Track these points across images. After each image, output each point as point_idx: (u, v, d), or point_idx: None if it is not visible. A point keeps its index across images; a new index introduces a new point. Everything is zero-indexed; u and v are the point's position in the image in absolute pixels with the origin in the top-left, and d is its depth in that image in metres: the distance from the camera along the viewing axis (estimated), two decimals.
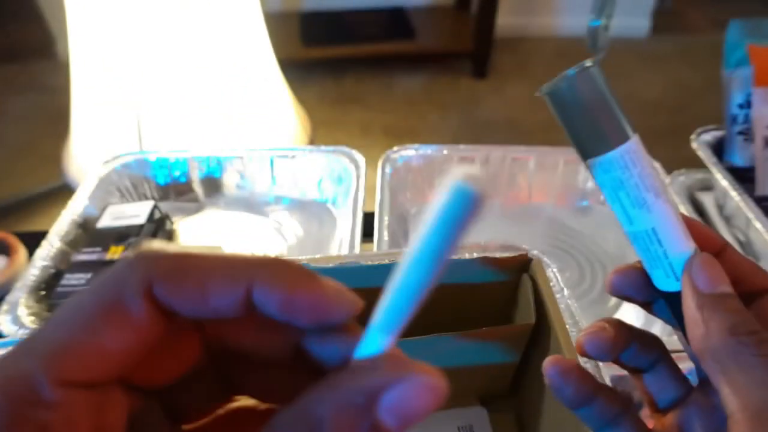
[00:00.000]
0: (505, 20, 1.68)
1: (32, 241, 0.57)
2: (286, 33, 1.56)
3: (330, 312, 0.15)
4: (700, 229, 0.21)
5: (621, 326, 0.23)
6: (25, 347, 0.13)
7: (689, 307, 0.20)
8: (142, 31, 0.61)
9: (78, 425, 0.13)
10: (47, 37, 1.54)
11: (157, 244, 0.14)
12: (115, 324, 0.14)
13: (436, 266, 0.13)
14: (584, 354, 0.22)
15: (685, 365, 0.24)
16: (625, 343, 0.23)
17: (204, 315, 0.15)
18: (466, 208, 0.12)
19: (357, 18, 1.63)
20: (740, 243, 0.59)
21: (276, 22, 0.82)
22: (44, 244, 0.53)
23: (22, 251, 0.60)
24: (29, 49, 1.58)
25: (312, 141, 0.83)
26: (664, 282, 0.21)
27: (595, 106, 0.18)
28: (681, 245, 0.20)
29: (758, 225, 0.54)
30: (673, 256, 0.20)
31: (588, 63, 0.18)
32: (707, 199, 0.65)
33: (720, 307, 0.19)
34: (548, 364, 0.23)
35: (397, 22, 1.60)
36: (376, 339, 0.15)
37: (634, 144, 0.18)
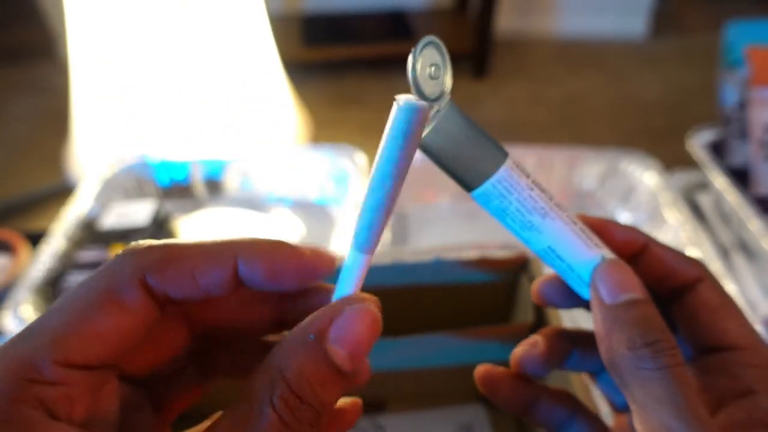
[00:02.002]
0: (505, 21, 1.69)
1: (35, 240, 0.58)
2: (287, 34, 1.56)
3: (312, 270, 0.17)
4: (616, 229, 0.21)
5: (558, 337, 0.22)
6: (28, 331, 0.15)
7: (595, 320, 0.19)
8: (144, 32, 0.61)
9: (75, 403, 0.14)
10: (48, 38, 1.54)
11: (147, 240, 0.15)
12: (111, 310, 0.15)
13: (396, 177, 0.15)
14: (521, 371, 0.22)
15: None
16: (563, 354, 0.22)
17: (195, 296, 0.16)
18: (410, 119, 0.15)
19: (358, 20, 1.63)
20: (736, 242, 0.60)
21: (278, 23, 0.82)
22: (48, 242, 0.54)
23: (25, 250, 0.60)
24: (30, 50, 1.58)
25: (312, 141, 0.83)
26: (583, 291, 0.20)
27: (456, 146, 0.18)
28: (584, 255, 0.19)
29: (754, 224, 0.54)
30: (578, 267, 0.19)
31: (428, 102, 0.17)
32: (704, 199, 0.66)
33: (622, 318, 0.18)
34: (478, 374, 0.22)
35: (397, 23, 1.60)
36: (356, 259, 0.16)
37: (505, 171, 0.18)
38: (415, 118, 0.15)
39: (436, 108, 0.18)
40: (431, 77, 0.17)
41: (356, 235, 0.16)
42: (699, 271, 0.20)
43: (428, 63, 0.17)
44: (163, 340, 0.17)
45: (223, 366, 0.19)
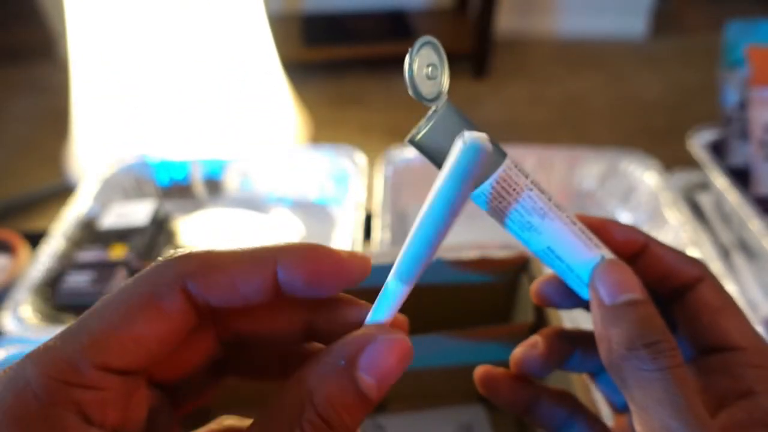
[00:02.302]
0: (505, 21, 1.68)
1: (35, 240, 0.58)
2: (287, 34, 1.56)
3: (349, 273, 0.17)
4: (616, 228, 0.20)
5: (558, 337, 0.22)
6: (68, 333, 0.14)
7: (595, 321, 0.19)
8: (144, 32, 0.61)
9: (109, 409, 0.14)
10: (48, 38, 1.54)
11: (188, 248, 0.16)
12: (151, 316, 0.15)
13: (449, 215, 0.14)
14: (521, 371, 0.22)
15: None
16: (563, 354, 0.22)
17: (235, 303, 0.16)
18: (474, 159, 0.14)
19: (357, 20, 1.63)
20: (737, 242, 0.60)
21: (277, 23, 0.82)
22: (47, 242, 0.54)
23: (24, 250, 0.60)
24: (30, 50, 1.58)
25: (312, 141, 0.83)
26: (583, 291, 0.20)
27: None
28: (584, 256, 0.19)
29: (754, 224, 0.54)
30: (578, 268, 0.19)
31: (435, 106, 0.17)
32: (705, 199, 0.66)
33: (621, 319, 0.18)
34: (477, 375, 0.22)
35: (397, 23, 1.60)
36: (396, 289, 0.16)
37: (504, 172, 0.18)
38: (480, 159, 0.14)
39: (434, 107, 0.17)
40: (428, 77, 0.17)
41: (400, 265, 0.16)
42: (700, 271, 0.20)
43: (425, 63, 0.17)
44: (193, 348, 0.17)
45: (242, 368, 0.19)
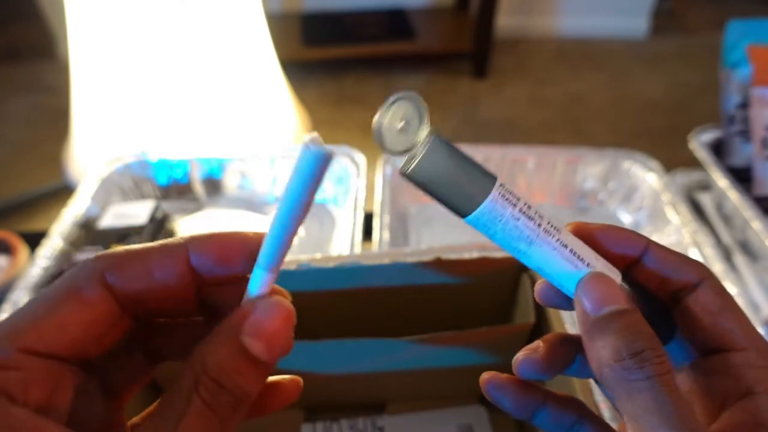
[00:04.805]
0: (505, 20, 1.68)
1: (34, 240, 0.57)
2: (286, 34, 1.56)
3: (257, 251, 0.18)
4: (616, 233, 0.20)
5: (560, 342, 0.22)
6: None
7: (582, 334, 0.19)
8: (143, 31, 0.61)
9: (31, 388, 0.15)
10: (47, 37, 1.54)
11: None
12: (72, 305, 0.16)
13: (298, 213, 0.17)
14: (522, 376, 0.22)
15: None
16: (565, 359, 0.22)
17: (153, 289, 0.18)
18: (313, 164, 0.16)
19: (357, 19, 1.63)
20: (738, 242, 0.60)
21: (277, 22, 0.82)
22: (46, 243, 0.53)
23: (23, 251, 0.60)
24: (30, 50, 1.58)
25: None
26: None
27: (442, 178, 0.19)
28: (572, 271, 0.20)
29: (756, 225, 0.54)
30: (567, 282, 0.20)
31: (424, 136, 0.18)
32: (706, 199, 0.66)
33: (606, 331, 0.18)
34: (482, 381, 0.22)
35: (397, 22, 1.60)
36: (259, 276, 0.18)
37: (490, 203, 0.19)
38: (318, 166, 0.16)
39: (424, 141, 0.18)
40: (400, 131, 0.18)
41: (261, 256, 0.18)
42: (701, 273, 0.20)
43: (399, 117, 0.18)
44: (114, 327, 0.19)
45: (167, 350, 0.21)
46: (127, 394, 0.20)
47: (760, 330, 0.47)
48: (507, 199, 0.19)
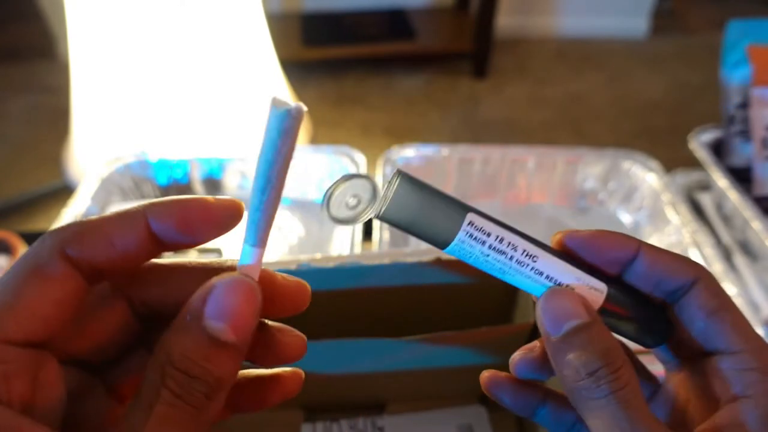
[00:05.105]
0: (505, 20, 1.68)
1: (34, 240, 0.57)
2: (286, 34, 1.56)
3: (220, 217, 0.18)
4: (606, 238, 0.20)
5: None
6: None
7: (549, 356, 0.19)
8: (143, 31, 0.61)
9: (12, 381, 0.15)
10: (47, 37, 1.54)
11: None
12: (36, 283, 0.16)
13: (275, 179, 0.16)
14: (518, 375, 0.22)
15: (655, 368, 0.23)
16: None
17: (117, 259, 0.17)
18: (282, 124, 0.15)
19: (357, 19, 1.63)
20: (738, 243, 0.60)
21: (277, 22, 0.82)
22: None
23: (23, 251, 0.60)
24: (29, 50, 1.58)
25: (312, 141, 0.83)
26: None
27: (413, 216, 0.19)
28: (543, 288, 0.20)
29: (756, 225, 0.54)
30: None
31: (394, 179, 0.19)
32: (706, 199, 0.66)
33: (566, 351, 0.18)
34: (483, 379, 0.23)
35: (397, 22, 1.60)
36: (247, 252, 0.17)
37: (458, 242, 0.19)
38: (286, 125, 0.15)
39: (391, 181, 0.19)
40: (347, 206, 0.19)
41: (247, 232, 0.17)
42: (695, 272, 0.20)
43: (350, 193, 0.19)
44: (103, 320, 0.18)
45: None
46: (130, 390, 0.19)
47: (760, 330, 0.47)
48: (475, 238, 0.19)
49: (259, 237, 0.17)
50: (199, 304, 0.16)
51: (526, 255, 0.20)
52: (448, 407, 0.44)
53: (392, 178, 0.19)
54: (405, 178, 0.19)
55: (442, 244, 0.20)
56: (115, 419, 0.19)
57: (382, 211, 0.19)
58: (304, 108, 0.16)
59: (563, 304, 0.19)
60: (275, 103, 0.15)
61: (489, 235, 0.19)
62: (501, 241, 0.19)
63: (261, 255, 0.17)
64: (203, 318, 0.16)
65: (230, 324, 0.16)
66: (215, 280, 0.17)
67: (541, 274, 0.20)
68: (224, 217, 0.18)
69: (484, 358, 0.39)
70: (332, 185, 0.18)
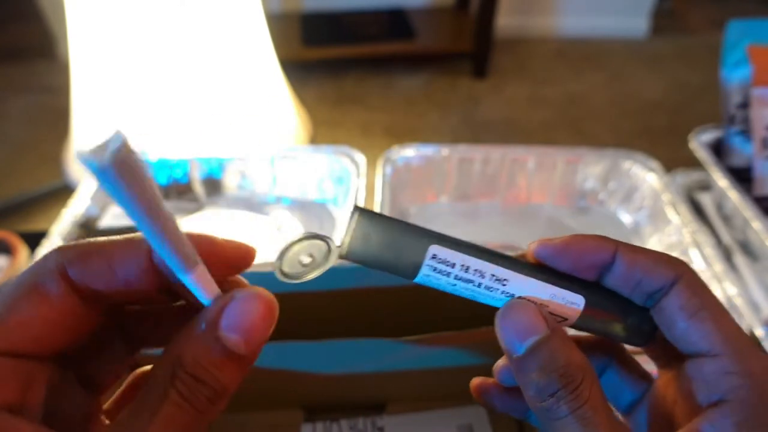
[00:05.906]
0: (505, 20, 1.68)
1: (34, 240, 0.57)
2: (286, 33, 1.56)
3: (229, 262, 0.18)
4: (581, 243, 0.20)
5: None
6: None
7: (512, 371, 0.19)
8: (142, 31, 0.61)
9: (1, 388, 0.15)
10: (47, 38, 1.54)
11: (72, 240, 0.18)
12: (34, 301, 0.16)
13: (147, 214, 0.15)
14: (501, 383, 0.22)
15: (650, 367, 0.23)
16: None
17: (115, 286, 0.17)
18: (104, 174, 0.13)
19: (357, 19, 1.63)
20: (739, 242, 0.60)
21: (276, 22, 0.82)
22: (46, 243, 0.53)
23: (23, 251, 0.60)
24: (29, 50, 1.58)
25: (312, 141, 0.83)
26: None
27: (376, 251, 0.19)
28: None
29: (756, 225, 0.54)
30: None
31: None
32: (706, 199, 0.66)
33: (527, 371, 0.18)
34: (473, 387, 0.23)
35: (397, 22, 1.60)
36: (190, 281, 0.17)
37: (423, 276, 0.19)
38: (110, 174, 0.13)
39: (350, 215, 0.19)
40: (300, 263, 0.19)
41: (172, 268, 0.16)
42: (675, 272, 0.19)
43: (307, 252, 0.19)
44: (74, 317, 0.18)
45: (147, 337, 0.20)
46: (108, 384, 0.20)
47: (760, 331, 0.47)
48: (439, 271, 0.19)
49: (182, 262, 0.16)
50: (215, 314, 0.17)
51: (495, 280, 0.20)
52: (448, 407, 0.44)
53: (351, 215, 0.19)
54: (363, 213, 0.19)
55: (410, 276, 0.20)
56: (95, 410, 0.19)
57: (345, 250, 0.19)
58: (121, 139, 0.14)
59: (520, 319, 0.19)
60: (83, 156, 0.13)
61: (453, 265, 0.19)
62: (467, 270, 0.19)
63: (201, 271, 0.17)
64: (218, 328, 0.16)
65: (244, 338, 0.16)
66: (235, 292, 0.17)
67: (512, 296, 0.20)
68: (231, 256, 0.18)
69: (484, 358, 0.39)
70: (289, 243, 0.19)
